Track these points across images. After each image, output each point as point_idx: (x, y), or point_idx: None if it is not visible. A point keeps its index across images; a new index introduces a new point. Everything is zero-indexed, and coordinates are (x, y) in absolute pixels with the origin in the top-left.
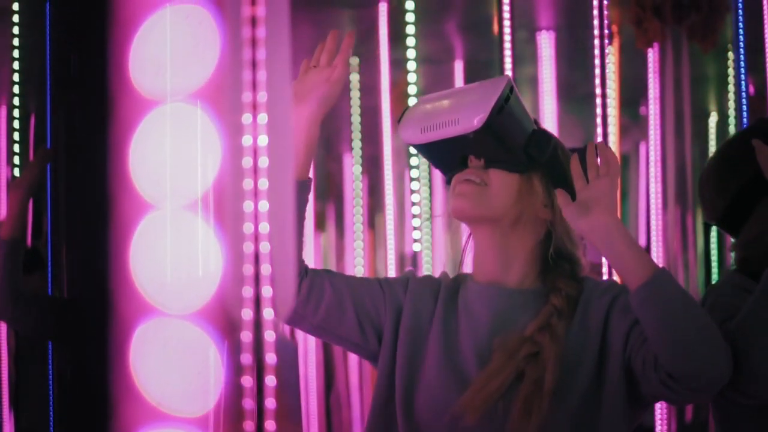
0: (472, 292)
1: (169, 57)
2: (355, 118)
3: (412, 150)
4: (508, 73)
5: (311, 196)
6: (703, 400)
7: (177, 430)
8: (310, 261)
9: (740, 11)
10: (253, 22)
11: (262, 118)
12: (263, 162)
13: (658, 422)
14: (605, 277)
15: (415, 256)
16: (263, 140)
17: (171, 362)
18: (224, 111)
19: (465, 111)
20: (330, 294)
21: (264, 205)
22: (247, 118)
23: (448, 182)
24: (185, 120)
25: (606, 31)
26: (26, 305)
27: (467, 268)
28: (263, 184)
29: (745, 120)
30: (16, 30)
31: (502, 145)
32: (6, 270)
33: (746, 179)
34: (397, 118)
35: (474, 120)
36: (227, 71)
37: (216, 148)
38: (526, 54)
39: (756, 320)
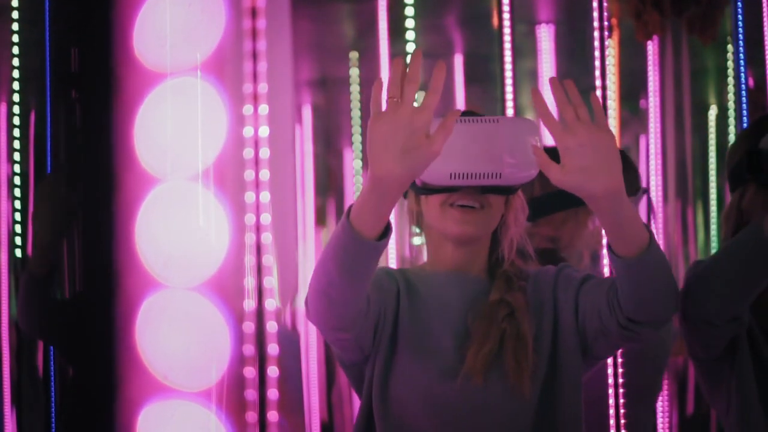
0: (437, 281)
1: (173, 30)
2: (355, 113)
3: None
4: (508, 66)
5: (311, 192)
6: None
7: (184, 402)
8: (311, 256)
9: (739, 3)
10: (254, 13)
11: (264, 109)
12: (264, 153)
13: (659, 415)
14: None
15: (414, 249)
16: (264, 131)
17: (177, 335)
18: (227, 96)
19: (510, 168)
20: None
21: (265, 196)
22: (248, 109)
23: (421, 193)
24: (190, 93)
25: (605, 24)
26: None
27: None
28: (264, 175)
29: (744, 112)
30: (15, 26)
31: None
32: (36, 306)
33: (732, 165)
34: None
35: (520, 180)
36: (232, 43)
37: (221, 121)
38: (525, 47)
39: (720, 258)
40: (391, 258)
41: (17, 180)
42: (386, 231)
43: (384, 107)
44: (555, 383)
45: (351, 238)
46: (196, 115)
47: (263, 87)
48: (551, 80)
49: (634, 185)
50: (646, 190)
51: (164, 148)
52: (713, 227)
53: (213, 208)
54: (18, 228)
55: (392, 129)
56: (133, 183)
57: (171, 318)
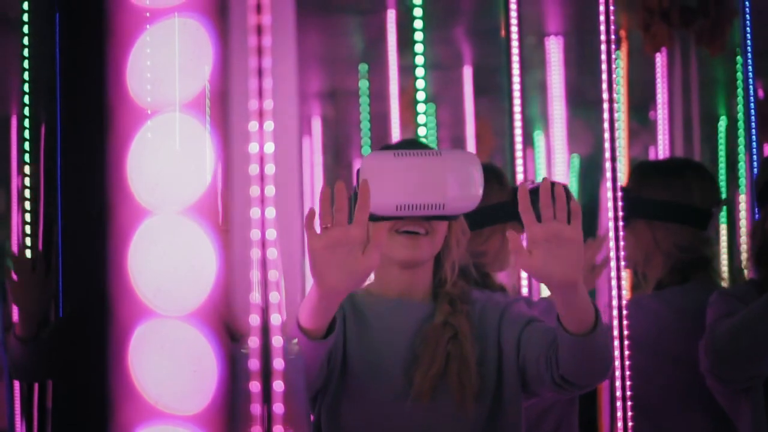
0: (383, 307)
1: (166, 69)
2: (365, 125)
3: None
4: (516, 78)
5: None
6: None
7: (174, 427)
8: None
9: (748, 15)
10: (259, 30)
11: (269, 125)
12: (270, 169)
13: None
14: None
15: None
16: (270, 147)
17: (168, 362)
18: (226, 114)
19: (452, 198)
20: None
21: (271, 212)
22: (253, 125)
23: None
24: (181, 129)
25: (613, 36)
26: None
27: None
28: (270, 191)
29: (753, 123)
30: (26, 40)
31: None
32: (32, 366)
33: (759, 188)
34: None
35: (462, 210)
36: (221, 82)
37: (211, 155)
38: (534, 59)
39: (737, 332)
40: None
41: (27, 193)
42: (332, 325)
43: (318, 231)
44: (500, 406)
45: (305, 343)
46: (185, 150)
47: (268, 103)
48: (545, 181)
49: (715, 198)
50: (726, 201)
51: (155, 182)
52: (722, 237)
53: (201, 240)
54: (29, 241)
55: (331, 248)
56: (127, 212)
57: (163, 344)
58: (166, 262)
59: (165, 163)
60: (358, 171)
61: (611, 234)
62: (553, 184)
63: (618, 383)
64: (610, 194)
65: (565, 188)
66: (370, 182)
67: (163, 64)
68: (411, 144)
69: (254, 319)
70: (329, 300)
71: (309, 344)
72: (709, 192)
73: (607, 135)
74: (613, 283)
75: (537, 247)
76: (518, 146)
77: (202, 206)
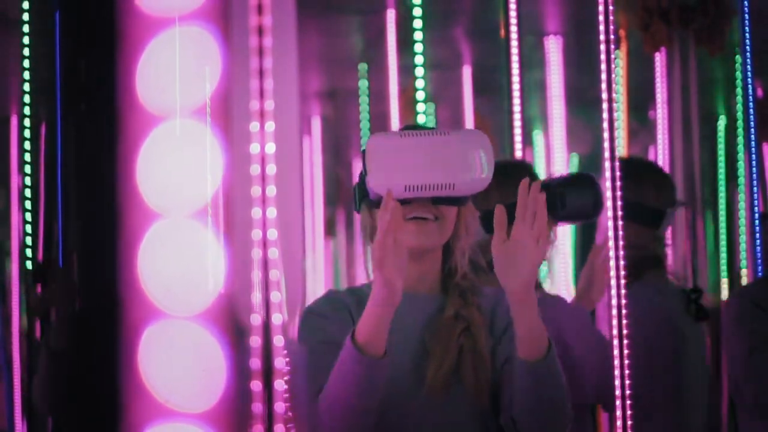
0: None
1: (175, 75)
2: (364, 124)
3: None
4: (516, 77)
5: (320, 203)
6: None
7: (183, 425)
8: (321, 266)
9: (746, 14)
10: (260, 31)
11: (270, 126)
12: (271, 169)
13: None
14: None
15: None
16: (271, 148)
17: (177, 361)
18: (232, 120)
19: (462, 178)
20: None
21: (272, 212)
22: (254, 126)
23: (375, 207)
24: (190, 134)
25: (613, 36)
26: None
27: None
28: (271, 191)
29: (752, 123)
30: (26, 40)
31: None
32: (54, 381)
33: None
34: (362, 160)
35: (473, 190)
36: (229, 88)
37: (219, 161)
38: (533, 59)
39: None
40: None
41: (28, 192)
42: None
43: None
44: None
45: (370, 365)
46: (194, 155)
47: (270, 104)
48: (523, 182)
49: (670, 198)
50: (683, 203)
51: (165, 185)
52: (722, 238)
53: (211, 243)
54: (29, 240)
55: (384, 255)
56: (137, 215)
57: (172, 344)
58: (176, 264)
59: (174, 167)
60: (364, 152)
61: (611, 234)
62: (557, 182)
63: (617, 382)
64: (609, 194)
65: (593, 181)
66: (377, 163)
67: (172, 70)
68: (414, 128)
69: (255, 319)
70: (395, 298)
71: (375, 364)
72: (663, 192)
73: (606, 134)
74: (613, 282)
75: (505, 243)
76: (518, 146)
77: (211, 209)
